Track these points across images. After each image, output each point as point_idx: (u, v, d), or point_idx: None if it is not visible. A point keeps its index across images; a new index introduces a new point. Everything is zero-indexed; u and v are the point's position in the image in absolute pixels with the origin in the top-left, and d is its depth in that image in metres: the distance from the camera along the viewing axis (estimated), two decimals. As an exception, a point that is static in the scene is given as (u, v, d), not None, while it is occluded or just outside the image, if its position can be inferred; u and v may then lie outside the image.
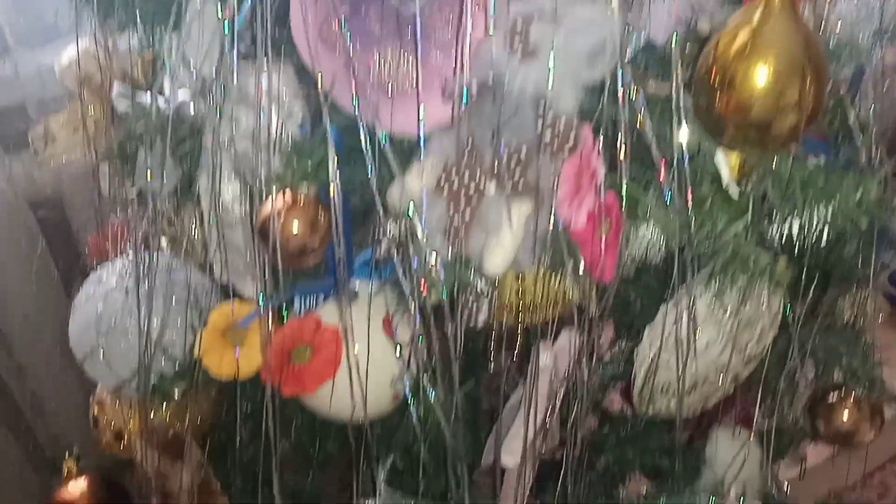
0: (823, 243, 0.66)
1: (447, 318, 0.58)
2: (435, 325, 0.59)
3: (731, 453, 0.82)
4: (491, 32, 0.50)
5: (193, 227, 0.73)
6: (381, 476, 0.69)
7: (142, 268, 0.68)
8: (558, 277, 0.66)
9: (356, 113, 0.54)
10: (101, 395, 0.86)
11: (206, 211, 0.63)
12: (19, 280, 1.27)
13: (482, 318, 0.62)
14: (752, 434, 0.82)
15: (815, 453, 1.00)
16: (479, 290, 0.59)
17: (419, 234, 0.53)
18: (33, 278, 1.24)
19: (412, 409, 0.63)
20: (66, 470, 0.87)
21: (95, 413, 0.87)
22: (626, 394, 0.98)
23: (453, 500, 0.70)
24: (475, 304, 0.61)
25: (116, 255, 0.78)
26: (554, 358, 0.72)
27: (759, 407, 0.79)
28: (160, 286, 0.69)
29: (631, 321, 0.80)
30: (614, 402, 1.00)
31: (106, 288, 0.71)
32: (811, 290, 0.74)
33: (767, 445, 0.82)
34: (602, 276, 0.56)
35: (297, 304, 0.66)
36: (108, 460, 0.90)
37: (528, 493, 0.79)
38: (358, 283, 0.67)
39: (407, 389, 0.65)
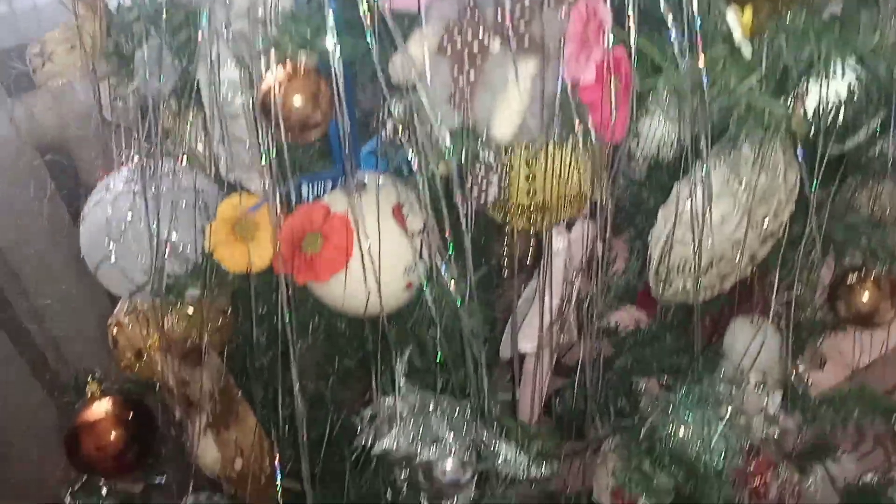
0: (840, 121, 0.65)
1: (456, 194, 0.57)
2: (445, 206, 0.58)
3: (749, 340, 0.81)
4: None
5: (195, 131, 0.72)
6: (401, 369, 0.69)
7: (148, 172, 0.67)
8: (569, 165, 0.65)
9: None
10: (119, 316, 0.87)
11: (206, 103, 0.62)
12: (31, 223, 1.28)
13: (492, 193, 0.61)
14: (771, 318, 0.81)
15: (833, 372, 0.99)
16: (487, 163, 0.58)
17: (424, 103, 0.52)
18: (45, 221, 1.24)
19: (426, 292, 0.63)
20: (89, 392, 0.89)
21: (114, 334, 0.87)
22: (644, 301, 0.98)
23: (472, 389, 0.70)
24: (484, 180, 0.60)
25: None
26: (568, 244, 0.71)
27: (777, 290, 0.78)
28: (167, 191, 0.69)
29: (644, 223, 0.79)
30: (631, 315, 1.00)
31: (114, 194, 0.71)
32: (822, 171, 0.72)
33: (787, 331, 0.81)
34: (613, 137, 0.55)
35: (304, 192, 0.65)
36: (128, 383, 0.92)
37: (546, 385, 0.79)
38: (366, 175, 0.66)
39: (420, 276, 0.64)
